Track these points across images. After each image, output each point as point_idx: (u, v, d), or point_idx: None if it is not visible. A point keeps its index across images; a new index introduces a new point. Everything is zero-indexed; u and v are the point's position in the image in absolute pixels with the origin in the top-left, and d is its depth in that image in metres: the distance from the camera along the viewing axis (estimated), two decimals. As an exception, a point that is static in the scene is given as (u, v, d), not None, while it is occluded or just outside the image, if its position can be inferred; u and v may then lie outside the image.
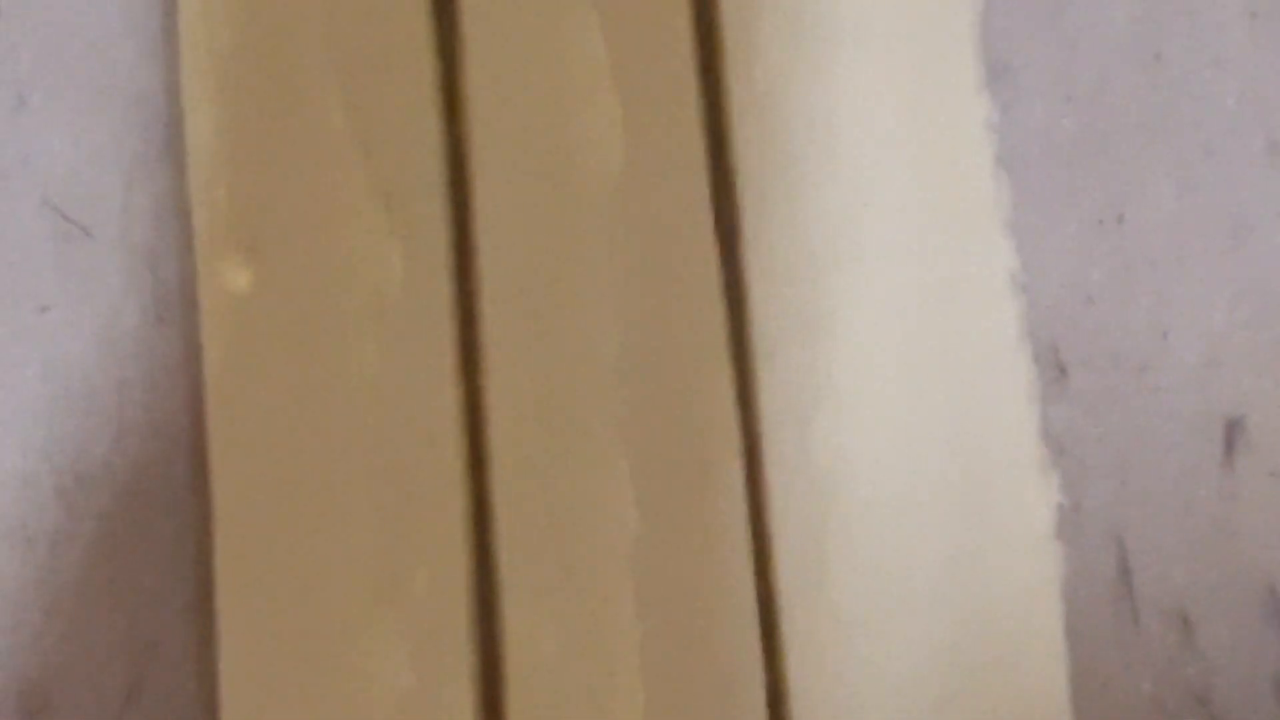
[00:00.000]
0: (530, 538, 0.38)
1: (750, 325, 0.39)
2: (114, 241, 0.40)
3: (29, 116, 0.40)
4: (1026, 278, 0.40)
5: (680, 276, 0.39)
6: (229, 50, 0.39)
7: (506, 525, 0.38)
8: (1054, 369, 0.40)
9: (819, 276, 0.39)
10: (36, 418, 0.39)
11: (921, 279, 0.40)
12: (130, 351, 0.39)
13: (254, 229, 0.39)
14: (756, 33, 0.40)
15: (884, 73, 0.40)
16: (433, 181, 0.39)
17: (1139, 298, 0.41)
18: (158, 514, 0.38)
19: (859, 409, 0.39)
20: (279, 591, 0.37)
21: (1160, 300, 0.41)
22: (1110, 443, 0.40)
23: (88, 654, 0.38)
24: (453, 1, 0.40)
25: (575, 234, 0.39)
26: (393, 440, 0.38)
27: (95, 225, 0.40)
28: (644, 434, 0.38)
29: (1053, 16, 0.42)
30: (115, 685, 0.38)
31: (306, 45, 0.39)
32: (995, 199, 0.40)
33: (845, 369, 0.39)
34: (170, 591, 0.38)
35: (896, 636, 0.38)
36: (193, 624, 0.38)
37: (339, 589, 0.37)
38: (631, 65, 0.39)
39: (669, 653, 0.37)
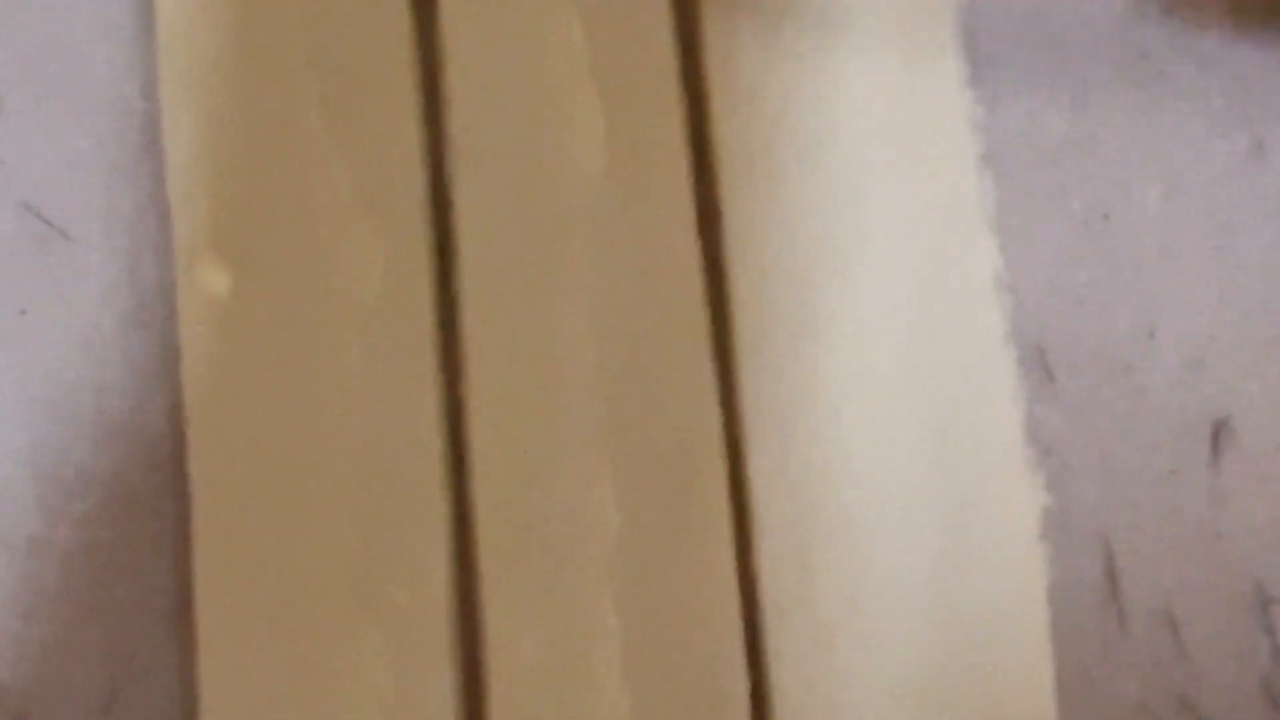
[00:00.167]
0: (512, 542, 0.38)
1: (733, 326, 0.39)
2: (93, 245, 0.39)
3: (7, 120, 0.40)
4: (1011, 278, 0.40)
5: (663, 277, 0.39)
6: (208, 53, 0.39)
7: (488, 530, 0.38)
8: (1039, 370, 0.40)
9: (802, 277, 0.39)
10: (14, 422, 0.38)
11: (906, 279, 0.40)
12: (109, 355, 0.39)
13: (234, 232, 0.38)
14: (738, 32, 0.40)
15: (867, 72, 0.40)
16: (413, 184, 0.39)
17: (1125, 298, 0.41)
18: (137, 520, 0.38)
19: (843, 410, 0.39)
20: (259, 599, 0.37)
21: (1146, 300, 0.40)
22: (1096, 444, 0.40)
23: (66, 661, 0.38)
24: (433, 3, 0.40)
25: (557, 236, 0.39)
26: (374, 444, 0.38)
27: (74, 228, 0.39)
28: (627, 438, 0.38)
29: (1037, 15, 0.41)
30: (94, 692, 0.38)
31: (286, 48, 0.39)
32: (980, 199, 0.40)
33: (829, 370, 0.39)
34: (150, 598, 0.38)
35: (881, 639, 0.38)
36: (173, 631, 0.38)
37: (320, 595, 0.37)
38: (613, 66, 0.39)
39: (652, 658, 0.37)
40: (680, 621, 0.37)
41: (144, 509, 0.38)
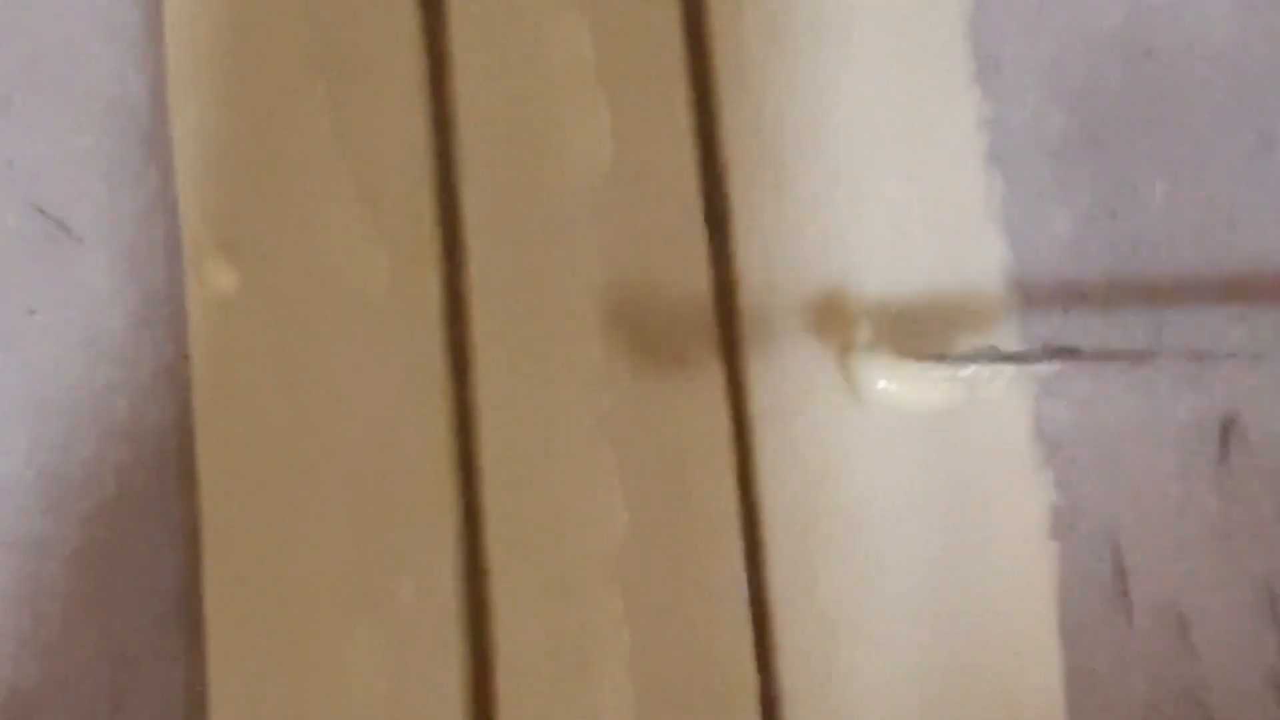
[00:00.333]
0: (519, 540, 0.37)
1: (741, 324, 0.39)
2: (100, 244, 0.39)
3: (14, 120, 0.40)
4: (1019, 273, 0.40)
5: (669, 273, 0.39)
6: (214, 53, 0.39)
7: (495, 528, 0.38)
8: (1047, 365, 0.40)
9: (809, 273, 0.39)
10: (21, 422, 0.38)
11: (913, 276, 0.40)
12: (116, 354, 0.39)
13: (240, 231, 0.38)
14: (745, 29, 0.40)
15: (875, 69, 0.40)
16: (420, 182, 0.39)
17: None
18: (143, 519, 0.38)
19: (850, 408, 0.39)
20: (266, 597, 0.37)
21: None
22: (1105, 441, 0.40)
23: (73, 661, 0.38)
24: (440, 2, 0.40)
25: (563, 233, 0.39)
26: (381, 443, 0.38)
27: (81, 228, 0.39)
28: (634, 436, 0.38)
29: (1043, 11, 0.41)
30: (100, 692, 0.38)
31: (292, 46, 0.39)
32: (987, 195, 0.40)
33: (837, 364, 0.39)
34: (156, 597, 0.38)
35: (890, 636, 0.38)
36: (178, 630, 0.38)
37: (327, 593, 0.37)
38: (619, 63, 0.39)
39: (659, 657, 0.37)
40: (688, 619, 0.37)
41: (150, 508, 0.38)
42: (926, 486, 0.39)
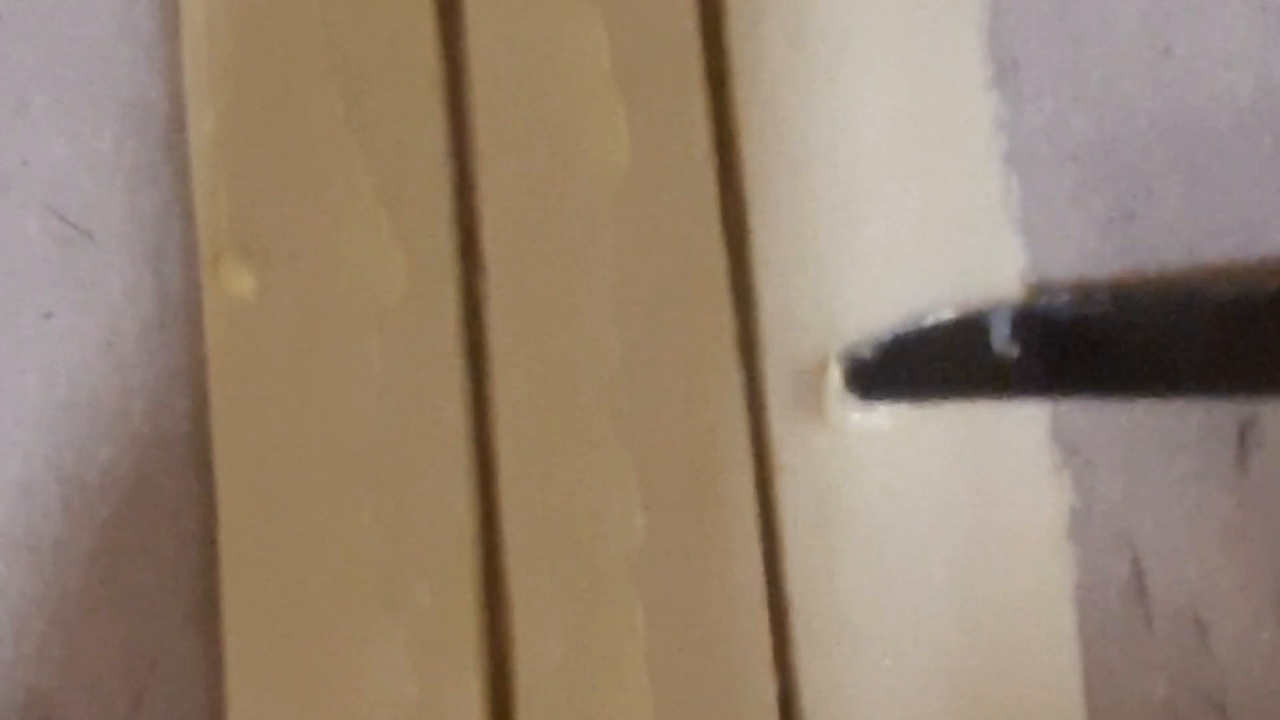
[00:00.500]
0: (538, 543, 0.37)
1: (759, 327, 0.39)
2: (117, 246, 0.39)
3: (29, 122, 0.40)
4: (1036, 277, 0.40)
5: (687, 279, 0.39)
6: (232, 54, 0.39)
7: (513, 531, 0.38)
8: (1065, 369, 0.40)
9: (826, 276, 0.39)
10: (39, 425, 0.38)
11: (930, 278, 0.40)
12: (133, 358, 0.39)
13: (257, 234, 0.38)
14: (763, 33, 0.40)
15: (892, 71, 0.40)
16: (438, 184, 0.39)
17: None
18: (162, 522, 0.38)
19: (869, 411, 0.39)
20: (284, 600, 0.37)
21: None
22: (1122, 444, 0.40)
23: (92, 664, 0.38)
24: (457, 4, 0.40)
25: (581, 238, 0.39)
26: (398, 445, 0.38)
27: (98, 230, 0.39)
28: (652, 439, 0.38)
29: (1061, 13, 0.41)
30: (120, 695, 0.38)
31: (309, 49, 0.39)
32: (1004, 198, 0.40)
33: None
34: (175, 600, 0.38)
35: (908, 639, 0.38)
36: (197, 633, 0.38)
37: (345, 596, 0.37)
38: (637, 67, 0.39)
39: (678, 660, 0.37)
40: (707, 622, 0.37)
41: (168, 511, 0.38)
42: (944, 490, 0.39)
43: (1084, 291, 0.39)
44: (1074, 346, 0.39)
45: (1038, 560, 0.39)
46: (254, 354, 0.38)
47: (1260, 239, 0.41)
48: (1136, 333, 0.38)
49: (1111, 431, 0.40)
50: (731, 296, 0.39)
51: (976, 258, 0.40)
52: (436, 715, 0.37)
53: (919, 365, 0.39)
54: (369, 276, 0.38)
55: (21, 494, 0.38)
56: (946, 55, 0.41)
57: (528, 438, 0.38)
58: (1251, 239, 0.41)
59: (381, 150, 0.39)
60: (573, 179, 0.39)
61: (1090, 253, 0.40)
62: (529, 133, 0.39)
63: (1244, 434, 0.40)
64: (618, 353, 0.38)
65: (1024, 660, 0.38)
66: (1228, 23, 0.41)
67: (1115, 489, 0.40)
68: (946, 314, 0.39)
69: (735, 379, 0.38)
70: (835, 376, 0.38)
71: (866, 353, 0.38)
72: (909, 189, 0.40)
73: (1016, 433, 0.39)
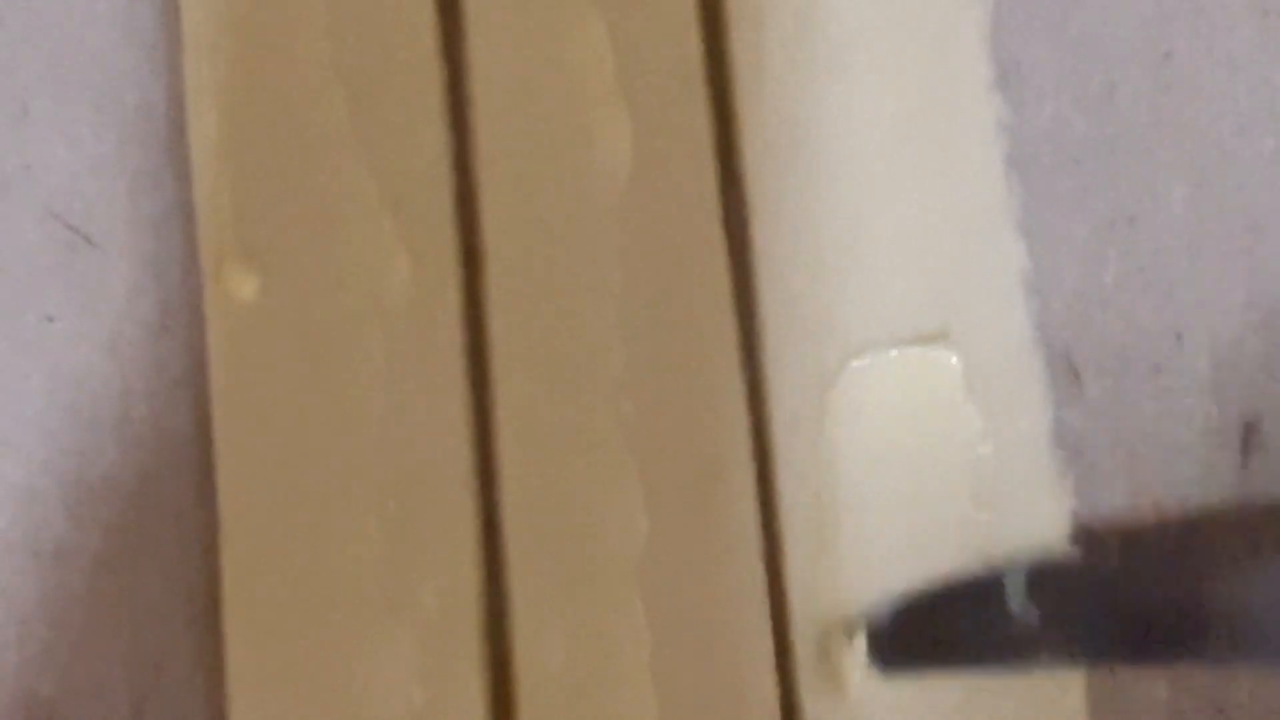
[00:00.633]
0: (540, 546, 0.37)
1: (761, 330, 0.39)
2: (119, 251, 0.39)
3: (31, 126, 0.40)
4: (1038, 280, 0.40)
5: (689, 282, 0.39)
6: (233, 58, 0.39)
7: (516, 534, 0.37)
8: (1067, 372, 0.40)
9: (829, 280, 0.39)
10: (41, 430, 0.38)
11: (933, 282, 0.40)
12: (135, 362, 0.39)
13: (259, 237, 0.38)
14: (765, 37, 0.40)
15: (893, 75, 0.40)
16: (440, 188, 0.39)
17: (1151, 301, 0.40)
18: (164, 526, 0.38)
19: (870, 413, 0.39)
20: (286, 604, 0.37)
21: (1173, 303, 0.40)
22: (1124, 447, 0.40)
23: (94, 668, 0.38)
24: (458, 8, 0.40)
25: (583, 241, 0.39)
26: (401, 449, 0.38)
27: (100, 234, 0.39)
28: (655, 441, 0.38)
29: (1062, 17, 0.41)
30: (122, 699, 0.38)
31: (311, 53, 0.39)
32: (1006, 201, 0.40)
33: (856, 373, 0.39)
34: (177, 604, 0.38)
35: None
36: (200, 637, 0.38)
37: (347, 599, 0.37)
38: (639, 69, 0.39)
39: (681, 663, 0.37)
40: (709, 625, 0.37)
41: (171, 515, 0.38)
42: (946, 494, 0.39)
43: (1093, 541, 0.38)
44: (1091, 609, 0.37)
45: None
46: (256, 358, 0.38)
47: (1262, 243, 0.41)
48: (1149, 587, 0.37)
49: (1113, 435, 0.40)
50: (734, 299, 0.39)
51: (978, 260, 0.40)
52: (440, 718, 0.37)
53: (938, 633, 0.38)
54: (371, 280, 0.38)
55: (24, 498, 0.38)
56: (948, 58, 0.41)
57: (530, 442, 0.38)
58: (1254, 242, 0.41)
59: (384, 153, 0.39)
60: (575, 183, 0.39)
61: (1092, 256, 0.40)
62: (531, 137, 0.39)
63: (1246, 437, 0.40)
64: (620, 356, 0.38)
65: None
66: (1229, 26, 0.41)
67: (1117, 493, 0.40)
68: (962, 576, 0.38)
69: (737, 381, 0.38)
70: (859, 649, 0.37)
71: (885, 621, 0.37)
72: (911, 192, 0.40)
73: (1019, 436, 0.39)
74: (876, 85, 0.40)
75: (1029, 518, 0.39)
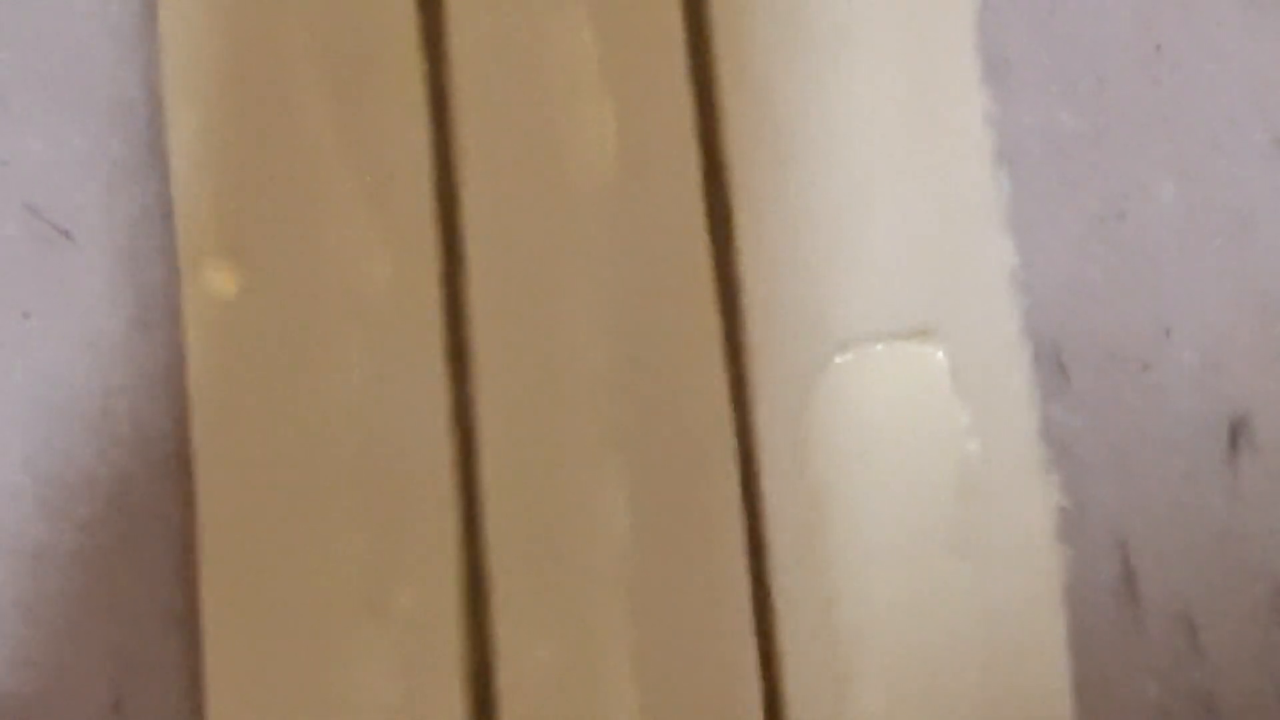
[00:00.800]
0: (522, 545, 0.37)
1: (744, 327, 0.38)
2: (97, 246, 0.39)
3: (9, 121, 0.39)
4: (1026, 275, 0.40)
5: (673, 278, 0.38)
6: (211, 52, 0.39)
7: (497, 533, 0.37)
8: (1055, 368, 0.40)
9: (814, 275, 0.39)
10: (18, 427, 0.38)
11: (920, 277, 0.39)
12: (114, 358, 0.39)
13: (238, 233, 0.38)
14: (749, 28, 0.39)
15: (880, 68, 0.40)
16: (421, 184, 0.39)
17: (1141, 296, 0.40)
18: (142, 524, 0.38)
19: (855, 410, 0.39)
20: (265, 603, 0.37)
21: (1162, 298, 0.40)
22: (1112, 443, 0.39)
23: (71, 667, 0.37)
24: (439, 2, 0.39)
25: (566, 236, 0.38)
26: (381, 447, 0.37)
27: (77, 230, 0.39)
28: (637, 439, 0.38)
29: (1051, 10, 0.41)
30: (99, 698, 0.37)
31: (290, 47, 0.39)
32: (995, 195, 0.40)
33: (841, 369, 0.39)
34: (155, 603, 0.38)
35: (896, 641, 0.38)
36: (178, 636, 0.37)
37: (327, 599, 0.37)
38: (622, 65, 0.39)
39: (663, 661, 0.37)
40: (692, 625, 0.37)
41: (149, 513, 0.38)
42: (933, 491, 0.38)
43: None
44: None
45: (1028, 562, 0.39)
46: (235, 354, 0.38)
47: (1251, 238, 0.40)
48: None
49: (1102, 432, 0.40)
50: (717, 295, 0.38)
51: (965, 255, 0.40)
52: (420, 718, 0.36)
53: None
54: (351, 276, 0.38)
55: (1, 496, 0.38)
56: (937, 52, 0.40)
57: (511, 439, 0.37)
58: (1243, 236, 0.40)
59: (364, 149, 0.38)
60: (558, 178, 0.39)
61: (1080, 251, 0.40)
62: (514, 132, 0.39)
63: (1235, 434, 0.39)
64: (603, 353, 0.38)
65: (1014, 661, 0.38)
66: (1218, 19, 0.41)
67: (1106, 490, 0.39)
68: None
69: (721, 379, 0.38)
70: None
71: None
72: (899, 186, 0.40)
73: (1006, 432, 0.39)
74: (863, 79, 0.40)
75: (1016, 514, 0.39)
